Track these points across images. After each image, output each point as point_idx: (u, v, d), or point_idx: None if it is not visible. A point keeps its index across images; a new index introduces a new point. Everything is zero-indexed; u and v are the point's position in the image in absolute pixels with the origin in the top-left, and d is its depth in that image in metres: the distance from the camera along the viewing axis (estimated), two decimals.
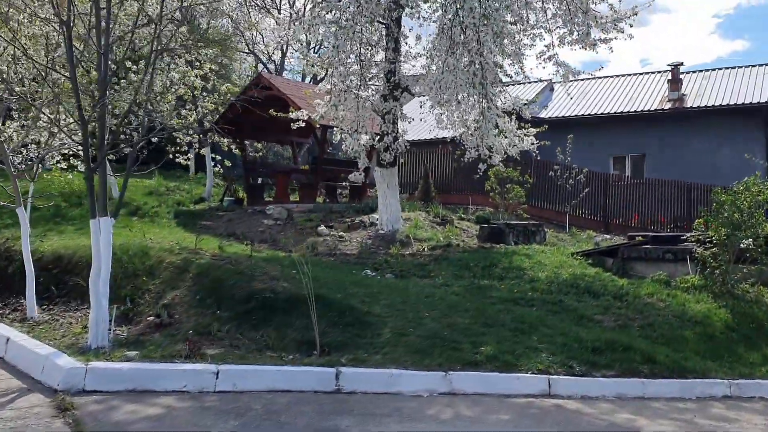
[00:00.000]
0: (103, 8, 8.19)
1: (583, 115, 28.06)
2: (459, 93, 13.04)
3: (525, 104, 15.70)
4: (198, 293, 9.20)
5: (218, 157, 22.19)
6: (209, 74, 20.39)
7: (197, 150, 21.70)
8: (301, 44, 16.88)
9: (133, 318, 9.26)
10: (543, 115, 27.78)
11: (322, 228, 15.56)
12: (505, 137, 15.98)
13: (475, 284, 11.74)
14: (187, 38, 19.65)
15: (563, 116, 28.15)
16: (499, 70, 13.61)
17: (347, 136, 14.90)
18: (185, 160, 22.00)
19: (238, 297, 8.91)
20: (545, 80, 30.71)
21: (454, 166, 23.50)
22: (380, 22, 14.27)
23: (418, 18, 14.53)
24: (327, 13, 13.92)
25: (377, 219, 16.22)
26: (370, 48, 14.60)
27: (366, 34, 14.30)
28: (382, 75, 14.71)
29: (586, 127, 27.30)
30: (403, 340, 8.21)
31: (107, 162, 17.84)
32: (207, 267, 9.72)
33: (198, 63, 20.08)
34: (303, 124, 15.37)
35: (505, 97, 15.11)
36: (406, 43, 14.65)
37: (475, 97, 13.30)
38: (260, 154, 24.92)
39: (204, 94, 21.23)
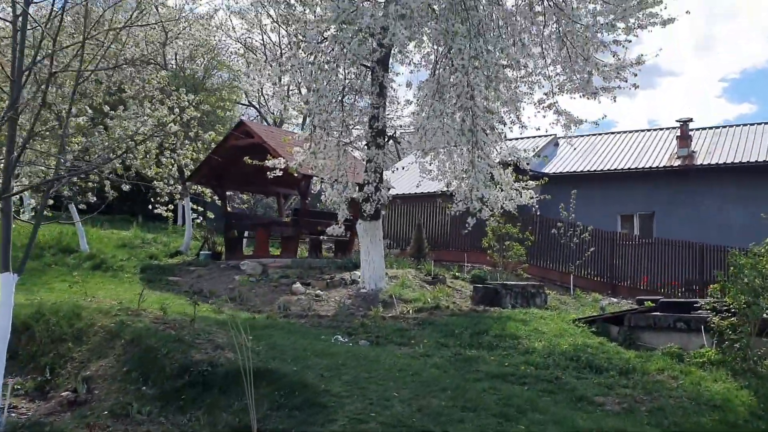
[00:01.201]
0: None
1: (589, 171, 26.93)
2: (446, 140, 11.88)
3: (525, 157, 14.55)
4: (126, 364, 7.87)
5: (200, 209, 21.08)
6: (191, 121, 19.50)
7: (177, 200, 20.60)
8: (278, 87, 15.90)
9: (50, 392, 7.95)
10: (547, 170, 26.66)
11: (297, 285, 14.24)
12: (501, 190, 14.79)
13: (461, 355, 10.35)
14: (165, 83, 18.84)
15: (568, 171, 27.03)
16: (492, 117, 12.48)
17: (327, 186, 13.71)
18: (165, 210, 20.91)
19: (170, 370, 7.57)
20: (550, 134, 29.73)
21: (449, 221, 22.25)
22: (364, 65, 13.24)
23: (407, 63, 13.53)
24: (307, 55, 12.91)
25: (360, 276, 14.91)
26: (353, 93, 13.55)
27: (349, 77, 13.28)
28: (365, 120, 13.61)
29: (592, 183, 26.13)
30: (361, 428, 6.81)
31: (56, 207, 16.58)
32: (142, 333, 8.39)
33: (178, 109, 19.19)
34: (281, 173, 14.22)
35: (500, 147, 13.98)
36: (392, 88, 13.60)
37: (464, 146, 12.14)
38: (246, 206, 23.81)
39: (186, 141, 20.27)
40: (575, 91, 13.83)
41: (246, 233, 19.78)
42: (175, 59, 21.31)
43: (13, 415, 7.02)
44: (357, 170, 14.33)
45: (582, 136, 30.73)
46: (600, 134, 30.97)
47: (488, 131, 12.54)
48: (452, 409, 7.52)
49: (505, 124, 12.93)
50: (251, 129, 17.56)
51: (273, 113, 36.26)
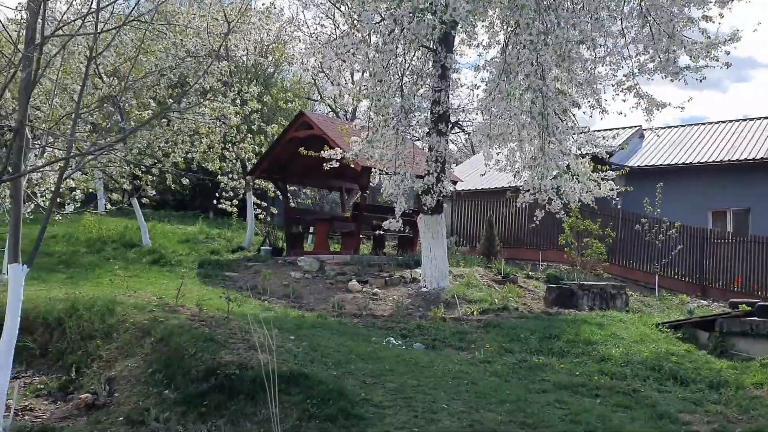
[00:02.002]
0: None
1: (677, 163, 25.05)
2: (514, 125, 10.86)
3: (605, 145, 13.29)
4: (152, 364, 7.28)
5: (263, 204, 20.68)
6: (253, 114, 19.11)
7: (239, 195, 20.27)
8: (334, 71, 15.19)
9: (73, 392, 7.44)
10: (631, 162, 24.97)
11: (353, 283, 13.50)
12: (578, 181, 13.59)
13: (526, 362, 9.36)
14: (225, 74, 18.49)
15: (653, 164, 25.26)
16: (565, 99, 11.37)
17: (385, 178, 12.90)
18: (230, 206, 20.63)
19: (196, 372, 6.92)
20: (635, 126, 27.95)
21: (523, 217, 21.05)
22: (425, 47, 12.35)
23: (474, 45, 12.53)
24: (363, 36, 12.15)
25: (420, 274, 14.05)
26: (413, 77, 12.69)
27: (408, 59, 12.44)
28: (426, 106, 12.72)
29: (681, 177, 24.26)
30: None
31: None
32: (173, 331, 7.80)
33: (240, 101, 18.82)
34: (337, 164, 13.51)
35: (577, 135, 12.81)
36: (457, 71, 12.63)
37: (533, 131, 11.09)
38: (310, 201, 23.32)
39: (249, 135, 19.91)
40: (657, 71, 12.48)
41: (310, 229, 19.22)
42: (246, 53, 20.93)
43: (26, 418, 6.54)
44: (418, 161, 13.46)
45: (669, 127, 28.81)
46: (689, 125, 28.92)
47: (561, 115, 11.44)
48: (509, 425, 6.58)
49: (579, 107, 11.78)
50: (311, 120, 16.95)
51: (345, 109, 35.71)
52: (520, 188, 13.35)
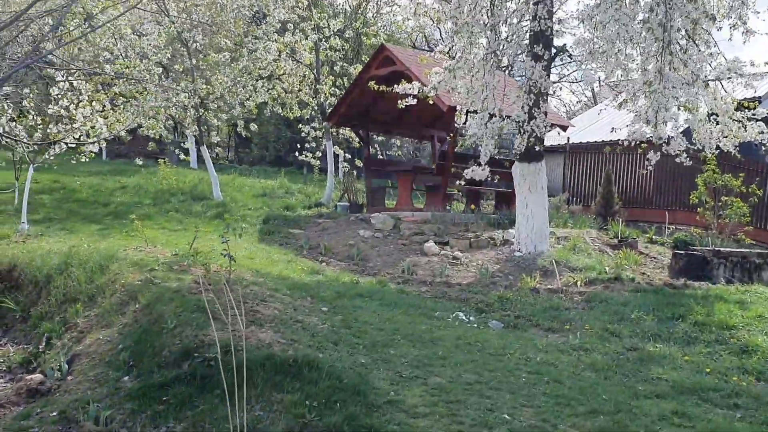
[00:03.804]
0: None
1: None
2: (624, 37, 8.44)
3: (755, 73, 10.50)
4: (126, 338, 5.74)
5: (347, 155, 19.06)
6: (333, 52, 17.41)
7: (322, 146, 18.76)
8: None
9: (36, 369, 6.03)
10: None
11: (429, 245, 11.57)
12: (716, 122, 10.91)
13: (635, 350, 7.21)
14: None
15: None
16: (696, 9, 8.81)
17: (471, 117, 10.81)
18: (312, 158, 19.19)
19: (168, 354, 5.33)
20: None
21: (649, 173, 18.23)
22: None
23: None
24: None
25: (514, 235, 11.93)
26: None
27: None
28: (520, 23, 10.46)
29: None
30: None
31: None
32: (160, 296, 6.23)
33: (320, 37, 17.14)
34: (413, 102, 11.53)
35: (714, 60, 10.13)
36: None
37: (650, 47, 8.63)
38: (399, 152, 21.44)
39: (331, 77, 18.24)
40: None
41: (386, 182, 17.40)
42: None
43: None
44: (513, 99, 11.21)
45: None
46: None
47: (689, 29, 8.90)
48: None
49: (715, 20, 9.16)
50: (393, 54, 14.98)
51: (424, 33, 32.81)
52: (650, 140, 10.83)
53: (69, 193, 16.00)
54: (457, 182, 12.17)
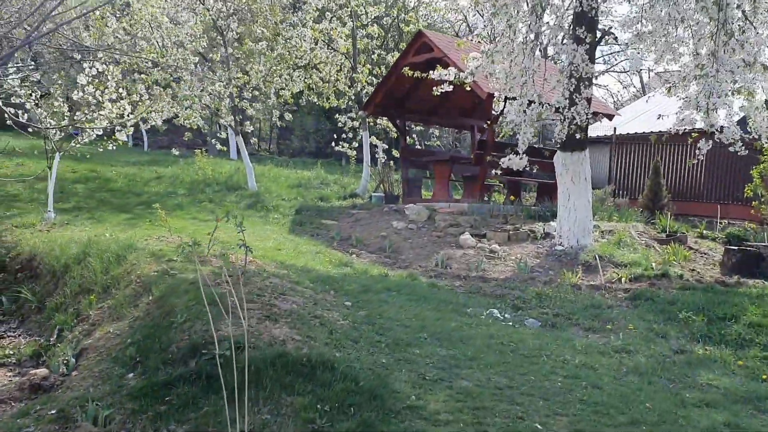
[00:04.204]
0: None
1: None
2: (674, 18, 7.86)
3: None
4: (136, 332, 5.47)
5: (384, 145, 18.67)
6: (371, 42, 17.04)
7: (359, 136, 18.40)
8: None
9: (45, 362, 5.80)
10: None
11: (465, 237, 11.12)
12: None
13: (683, 353, 6.70)
14: None
15: None
16: None
17: (510, 104, 10.31)
18: (349, 149, 18.86)
19: (176, 350, 5.04)
20: None
21: (699, 163, 17.43)
22: None
23: None
24: None
25: (555, 229, 11.41)
26: None
27: None
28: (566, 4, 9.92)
29: None
30: None
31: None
32: (175, 288, 5.95)
33: (359, 25, 16.77)
34: (449, 88, 11.06)
35: None
36: None
37: (703, 27, 8.03)
38: (438, 142, 20.94)
39: (369, 65, 17.87)
40: None
41: (421, 172, 16.95)
42: None
43: None
44: (553, 85, 10.67)
45: None
46: None
47: (747, 10, 8.27)
48: None
49: None
50: (430, 41, 14.52)
51: (464, 14, 31.94)
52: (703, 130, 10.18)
53: (104, 182, 15.97)
54: (493, 172, 11.69)
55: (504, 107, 10.75)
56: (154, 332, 5.32)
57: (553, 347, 6.45)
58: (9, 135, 20.92)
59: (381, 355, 5.43)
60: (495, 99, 10.85)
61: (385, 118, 17.77)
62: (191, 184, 16.56)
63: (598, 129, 21.84)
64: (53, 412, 4.52)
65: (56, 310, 6.73)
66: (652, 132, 19.51)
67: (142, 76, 16.85)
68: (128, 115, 9.86)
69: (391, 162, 18.84)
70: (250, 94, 16.35)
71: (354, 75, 17.18)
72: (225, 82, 15.74)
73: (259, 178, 17.74)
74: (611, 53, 39.43)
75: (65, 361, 5.33)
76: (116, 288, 6.45)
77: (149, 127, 16.70)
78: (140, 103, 15.66)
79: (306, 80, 16.80)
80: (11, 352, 6.06)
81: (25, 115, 8.47)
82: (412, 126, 20.90)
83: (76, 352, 5.50)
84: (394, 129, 18.29)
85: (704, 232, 14.27)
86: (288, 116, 18.00)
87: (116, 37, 16.90)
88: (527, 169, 10.48)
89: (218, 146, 17.85)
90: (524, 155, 10.05)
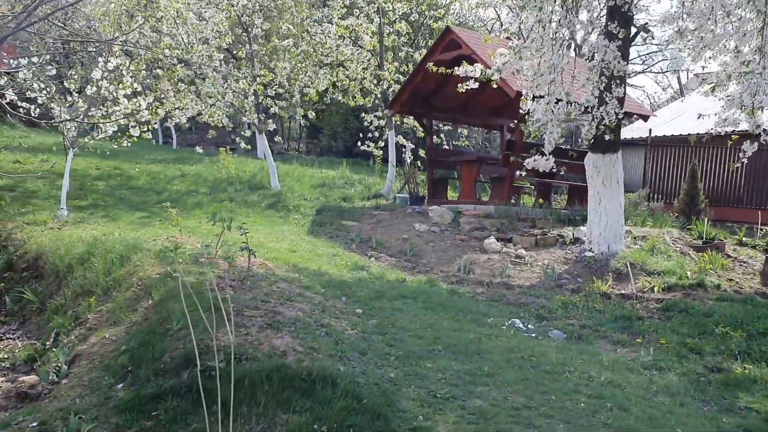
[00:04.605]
0: None
1: None
2: (717, 13, 7.36)
3: None
4: (131, 339, 5.19)
5: (411, 145, 18.29)
6: (398, 39, 16.69)
7: (385, 136, 18.06)
8: None
9: (37, 369, 5.55)
10: None
11: (490, 241, 10.70)
12: None
13: (719, 372, 6.22)
14: None
15: None
16: None
17: (538, 102, 9.87)
18: (375, 148, 18.53)
19: (169, 360, 4.73)
20: None
21: (737, 167, 16.75)
22: None
23: None
24: None
25: (585, 234, 10.93)
26: None
27: None
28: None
29: None
30: None
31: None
32: (174, 292, 5.65)
33: (387, 21, 16.44)
34: (475, 85, 10.63)
35: None
36: None
37: (747, 25, 7.51)
38: (465, 142, 20.47)
39: (396, 63, 17.52)
40: None
41: (448, 173, 16.52)
42: None
43: None
44: (582, 82, 10.20)
45: None
46: None
47: None
48: None
49: None
50: (459, 37, 14.11)
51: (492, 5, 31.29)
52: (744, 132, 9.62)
53: (126, 180, 15.84)
54: (518, 173, 11.26)
55: (531, 106, 10.29)
56: (149, 339, 5.03)
57: (578, 362, 6.03)
58: (35, 132, 20.98)
59: (389, 368, 5.07)
60: (522, 97, 10.39)
61: (411, 117, 17.39)
62: (214, 182, 16.36)
63: (632, 130, 21.20)
64: (35, 424, 4.25)
65: (56, 312, 6.50)
66: (689, 134, 18.83)
67: (169, 72, 16.72)
68: (143, 111, 9.63)
69: (418, 162, 18.48)
70: (274, 92, 16.10)
71: (380, 73, 16.83)
72: (249, 79, 15.51)
73: (283, 178, 17.50)
74: (648, 53, 38.56)
75: (56, 368, 5.07)
76: (117, 290, 6.19)
77: (174, 124, 16.55)
78: (165, 100, 15.54)
79: (330, 77, 16.50)
80: (6, 356, 5.84)
81: (37, 110, 8.29)
82: (440, 125, 20.48)
83: (69, 358, 5.24)
84: (420, 128, 17.92)
85: (743, 239, 13.64)
86: (311, 114, 17.72)
87: (141, 33, 16.80)
88: (554, 170, 10.03)
89: (243, 145, 17.62)
90: (551, 156, 9.62)
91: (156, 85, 16.04)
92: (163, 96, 15.51)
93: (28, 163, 16.26)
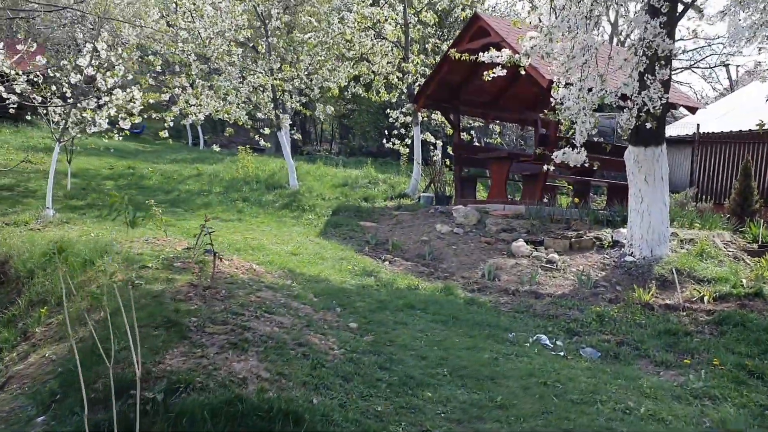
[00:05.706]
0: None
1: None
2: None
3: None
4: (69, 361, 4.40)
5: (438, 142, 17.36)
6: (422, 30, 15.81)
7: (406, 132, 17.17)
8: None
9: None
10: None
11: (519, 244, 9.71)
12: None
13: None
14: None
15: None
16: None
17: (570, 90, 8.86)
18: (401, 146, 17.66)
19: (102, 387, 3.89)
20: None
21: None
22: None
23: None
24: None
25: (625, 236, 9.88)
26: None
27: None
28: None
29: None
30: None
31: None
32: (128, 303, 4.82)
33: (412, 11, 15.59)
34: (502, 73, 9.67)
35: None
36: None
37: None
38: (497, 140, 19.40)
39: (422, 55, 16.63)
40: None
41: (487, 171, 15.49)
42: None
43: None
44: (619, 64, 9.16)
45: None
46: None
47: None
48: None
49: None
50: (488, 24, 13.15)
51: None
52: None
53: (137, 179, 15.24)
54: (545, 167, 10.28)
55: (562, 94, 9.29)
56: (89, 360, 4.21)
57: (613, 389, 5.06)
58: (47, 132, 20.57)
59: (378, 399, 4.17)
60: (554, 85, 9.40)
61: (437, 111, 16.46)
62: (229, 182, 15.67)
63: (677, 127, 19.95)
64: None
65: (7, 324, 5.76)
66: (741, 132, 17.53)
67: (185, 68, 16.12)
68: (135, 102, 8.93)
69: (447, 161, 17.55)
70: (293, 86, 15.33)
71: (404, 65, 15.93)
72: (267, 73, 14.78)
73: (303, 177, 16.74)
74: (696, 48, 36.97)
75: None
76: (73, 299, 5.41)
77: (189, 123, 15.90)
78: (181, 96, 14.91)
79: (351, 71, 15.67)
80: None
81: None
82: (471, 122, 19.49)
83: (3, 381, 4.47)
84: (449, 125, 16.98)
85: None
86: (331, 110, 16.90)
87: (155, 29, 16.24)
88: (587, 165, 8.99)
89: (262, 143, 16.90)
90: (582, 149, 8.62)
91: (169, 80, 15.41)
92: (181, 92, 14.89)
93: (40, 163, 15.79)
